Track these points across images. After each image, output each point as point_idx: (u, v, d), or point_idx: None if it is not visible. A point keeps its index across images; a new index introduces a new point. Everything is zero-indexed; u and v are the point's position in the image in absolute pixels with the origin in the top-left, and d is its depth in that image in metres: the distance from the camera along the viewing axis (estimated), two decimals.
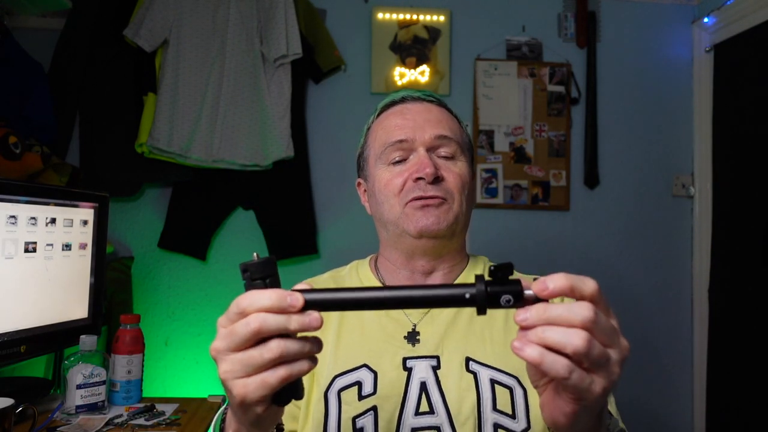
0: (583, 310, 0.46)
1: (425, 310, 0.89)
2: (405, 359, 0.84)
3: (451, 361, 0.83)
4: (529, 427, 0.80)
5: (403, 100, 0.95)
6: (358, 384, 0.83)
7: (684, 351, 2.27)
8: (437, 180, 0.87)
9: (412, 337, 0.86)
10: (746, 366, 2.03)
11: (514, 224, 2.22)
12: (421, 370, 0.83)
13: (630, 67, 2.30)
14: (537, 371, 0.55)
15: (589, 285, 0.48)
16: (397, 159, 0.90)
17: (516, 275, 0.51)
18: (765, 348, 1.95)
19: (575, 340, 0.45)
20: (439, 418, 0.80)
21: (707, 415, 2.20)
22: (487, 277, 0.49)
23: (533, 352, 0.46)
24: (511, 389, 0.81)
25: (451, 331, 0.86)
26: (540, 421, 0.80)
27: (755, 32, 2.03)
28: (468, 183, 0.91)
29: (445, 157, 0.90)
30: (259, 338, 0.49)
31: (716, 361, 2.18)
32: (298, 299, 0.48)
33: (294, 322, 0.48)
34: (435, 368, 0.83)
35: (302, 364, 0.50)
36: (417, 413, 0.80)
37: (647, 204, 2.28)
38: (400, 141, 0.89)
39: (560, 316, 0.46)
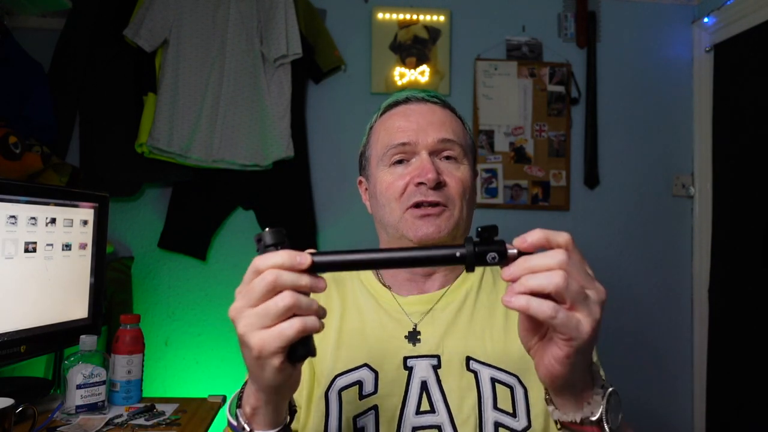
0: (557, 254, 0.52)
1: (426, 310, 0.89)
2: (406, 359, 0.84)
3: (451, 361, 0.83)
4: (529, 425, 0.80)
5: (407, 100, 0.94)
6: (359, 383, 0.83)
7: (684, 351, 2.27)
8: (439, 185, 0.87)
9: (413, 336, 0.86)
10: (746, 366, 2.03)
11: (514, 224, 2.21)
12: (422, 370, 0.83)
13: (630, 67, 2.30)
14: (528, 331, 0.60)
15: (562, 236, 0.54)
16: (398, 160, 0.90)
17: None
18: (765, 348, 1.95)
19: (554, 278, 0.51)
20: (440, 417, 0.80)
21: (707, 415, 2.20)
22: (475, 239, 0.55)
23: (520, 300, 0.52)
24: (511, 388, 0.81)
25: (451, 331, 0.86)
26: (541, 419, 0.80)
27: (755, 32, 2.03)
28: (469, 187, 0.90)
29: (448, 161, 0.90)
30: (275, 292, 0.53)
31: (716, 361, 2.18)
32: (306, 258, 0.54)
33: (304, 278, 0.53)
34: (435, 367, 0.83)
35: (314, 320, 0.54)
36: (418, 412, 0.80)
37: (647, 204, 2.28)
38: (403, 144, 0.89)
39: (539, 264, 0.52)
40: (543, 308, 0.51)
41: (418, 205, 0.87)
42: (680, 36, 2.33)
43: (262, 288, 0.53)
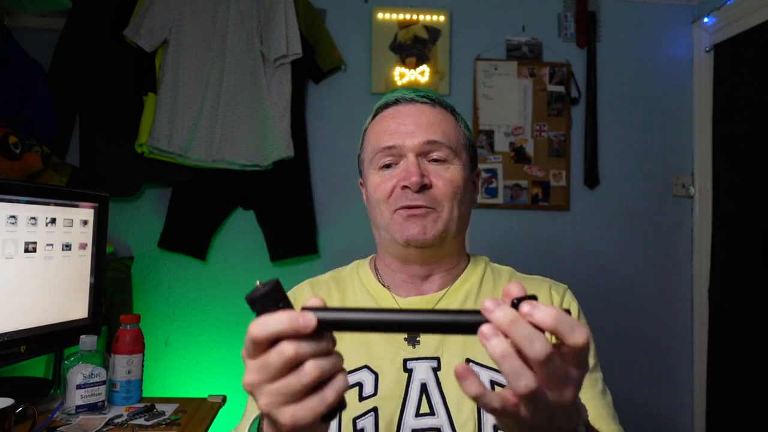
0: (540, 348, 0.44)
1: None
2: (405, 360, 0.84)
3: (451, 363, 0.83)
4: None
5: (396, 101, 0.93)
6: (359, 385, 0.83)
7: (684, 351, 2.27)
8: (425, 188, 0.86)
9: (413, 338, 0.86)
10: (746, 366, 2.03)
11: (514, 224, 2.21)
12: (422, 372, 0.83)
13: (630, 67, 2.30)
14: None
15: (575, 337, 0.45)
16: (387, 163, 0.90)
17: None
18: (765, 348, 1.95)
19: (521, 380, 0.44)
20: (440, 420, 0.80)
21: (707, 415, 2.20)
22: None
23: (465, 373, 0.47)
24: None
25: None
26: None
27: (755, 32, 2.03)
28: (461, 187, 0.89)
29: (437, 162, 0.89)
30: (294, 364, 0.47)
31: (716, 361, 2.18)
32: (311, 319, 0.46)
33: (323, 344, 0.47)
34: (435, 369, 0.83)
35: (342, 381, 0.49)
36: (417, 414, 0.80)
37: (647, 204, 2.28)
38: (389, 147, 0.89)
39: (519, 342, 0.44)
40: (492, 403, 0.46)
41: (404, 209, 0.87)
42: (680, 36, 2.32)
43: (279, 364, 0.46)
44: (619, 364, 2.18)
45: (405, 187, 0.86)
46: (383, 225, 0.90)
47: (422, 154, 0.88)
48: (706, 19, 2.23)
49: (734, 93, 2.15)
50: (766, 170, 1.98)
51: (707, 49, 2.26)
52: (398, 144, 0.88)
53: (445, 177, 0.88)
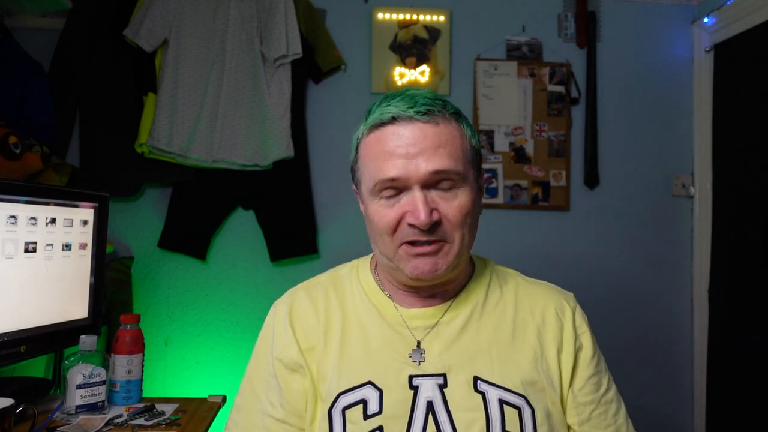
0: None
1: (430, 325, 0.87)
2: (411, 377, 0.82)
3: (458, 381, 0.81)
4: None
5: (393, 120, 0.82)
6: (363, 402, 0.80)
7: (684, 351, 2.27)
8: (433, 226, 0.80)
9: (417, 354, 0.84)
10: (746, 366, 2.03)
11: (514, 224, 2.21)
12: (428, 389, 0.81)
13: (630, 67, 2.30)
14: None
15: None
16: (389, 195, 0.82)
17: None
18: (765, 348, 1.95)
19: None
20: None
21: (707, 415, 2.20)
22: None
23: None
24: (519, 409, 0.80)
25: (457, 348, 0.84)
26: None
27: (755, 32, 2.03)
28: (471, 211, 0.84)
29: (445, 191, 0.82)
30: None
31: (716, 361, 2.18)
32: None
33: None
34: (442, 387, 0.81)
35: None
36: None
37: (647, 204, 2.28)
38: (392, 179, 0.80)
39: None
40: None
41: (413, 243, 0.81)
42: (680, 36, 2.32)
43: None
44: (618, 364, 2.17)
45: (412, 224, 0.80)
46: (387, 254, 0.85)
47: (429, 185, 0.81)
48: (706, 19, 2.23)
49: (734, 93, 2.15)
50: (766, 170, 1.98)
51: (707, 49, 2.26)
52: (402, 176, 0.80)
53: (454, 206, 0.82)
